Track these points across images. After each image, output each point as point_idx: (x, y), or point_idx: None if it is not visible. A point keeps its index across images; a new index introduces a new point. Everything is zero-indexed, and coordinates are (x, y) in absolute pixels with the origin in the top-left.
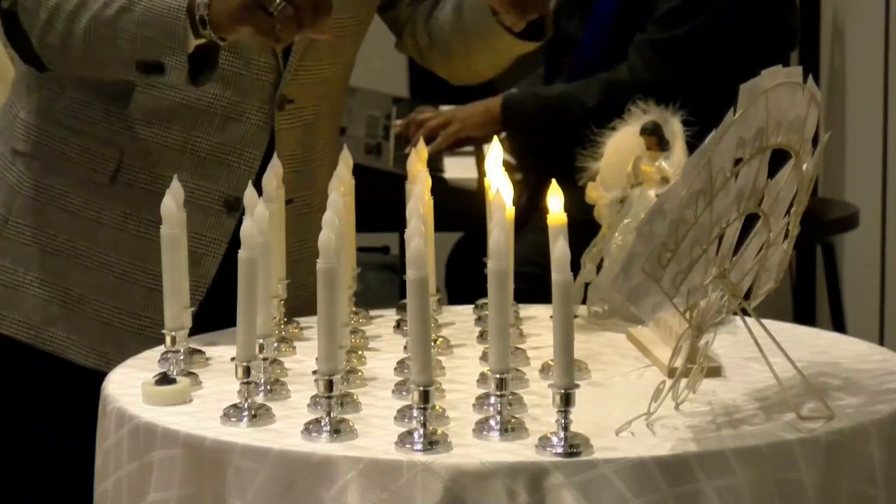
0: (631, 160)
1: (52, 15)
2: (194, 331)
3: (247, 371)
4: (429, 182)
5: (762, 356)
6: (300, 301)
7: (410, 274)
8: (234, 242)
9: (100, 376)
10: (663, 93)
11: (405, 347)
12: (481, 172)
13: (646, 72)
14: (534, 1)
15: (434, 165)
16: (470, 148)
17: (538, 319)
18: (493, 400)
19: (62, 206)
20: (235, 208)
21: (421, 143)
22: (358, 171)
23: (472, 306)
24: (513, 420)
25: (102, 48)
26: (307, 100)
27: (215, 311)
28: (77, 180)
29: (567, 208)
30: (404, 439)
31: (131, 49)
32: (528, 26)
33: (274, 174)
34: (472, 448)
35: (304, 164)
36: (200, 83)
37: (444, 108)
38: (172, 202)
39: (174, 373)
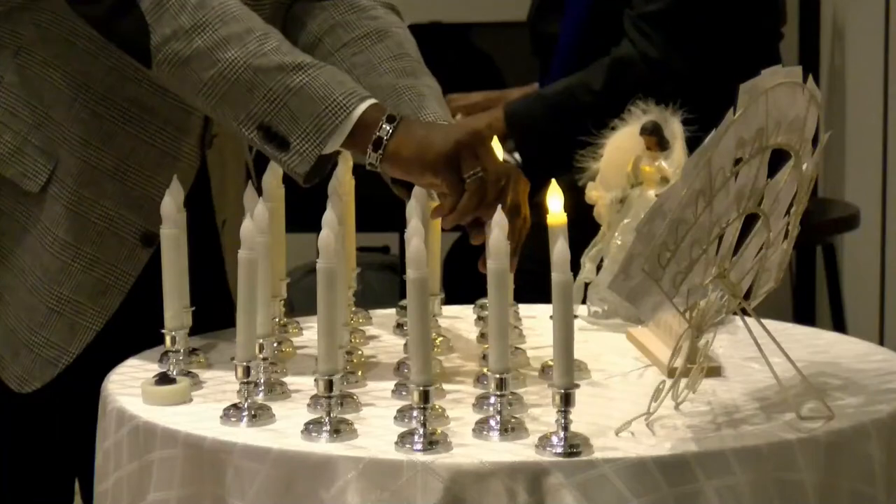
0: (631, 160)
1: (196, 26)
2: (92, 364)
3: (247, 371)
4: None
5: (762, 356)
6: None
7: (410, 274)
8: (143, 277)
9: None
10: (670, 67)
11: (405, 347)
12: None
13: (650, 47)
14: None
15: None
16: None
17: (538, 319)
18: (493, 400)
19: None
20: (151, 243)
21: None
22: (358, 171)
23: (472, 306)
24: (513, 420)
25: (236, 90)
26: (229, 130)
27: (116, 341)
28: (10, 182)
29: (568, 207)
30: (404, 439)
31: (265, 109)
32: None
33: (274, 174)
34: (472, 448)
35: (236, 185)
36: (308, 182)
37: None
38: (172, 202)
39: (174, 373)
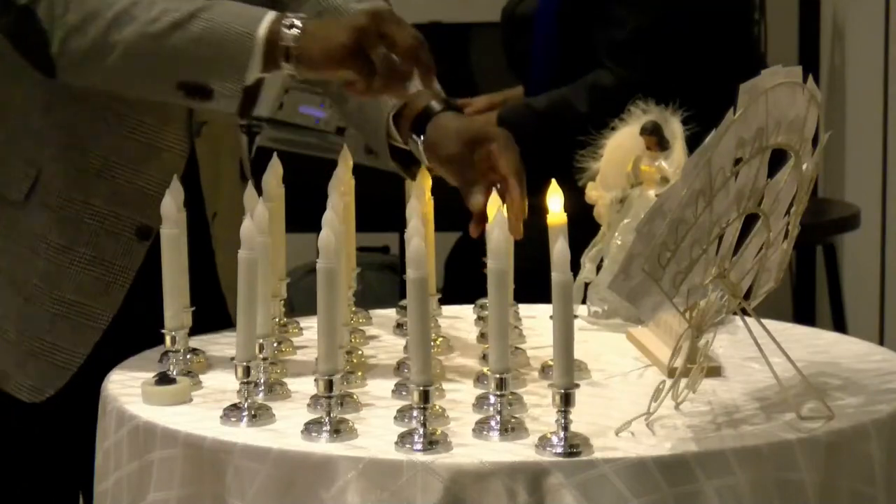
0: (631, 160)
1: (84, 19)
2: (103, 362)
3: (247, 371)
4: (429, 182)
5: (762, 356)
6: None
7: (410, 274)
8: (143, 271)
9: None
10: (650, 88)
11: (405, 347)
12: None
13: (625, 71)
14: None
15: None
16: None
17: (538, 319)
18: (493, 400)
19: None
20: (147, 236)
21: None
22: (358, 171)
23: (472, 306)
24: (513, 420)
25: (142, 62)
26: (223, 118)
27: (123, 338)
28: None
29: (566, 208)
30: (404, 439)
31: (176, 68)
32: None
33: (274, 174)
34: (472, 448)
35: (227, 178)
36: (245, 115)
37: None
38: (172, 202)
39: (174, 373)
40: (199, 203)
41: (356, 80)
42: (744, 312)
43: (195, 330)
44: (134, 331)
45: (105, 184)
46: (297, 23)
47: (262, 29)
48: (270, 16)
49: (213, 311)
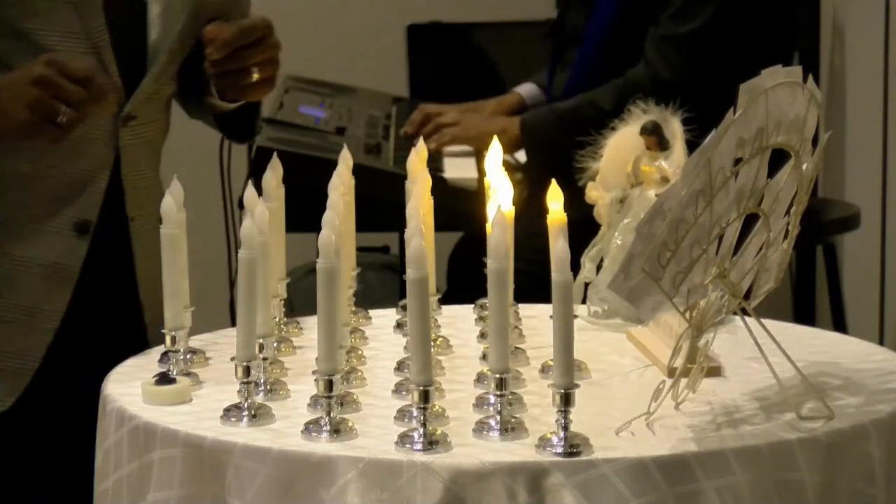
0: (631, 160)
1: None
2: (55, 363)
3: (247, 371)
4: (429, 182)
5: (762, 356)
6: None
7: (410, 274)
8: (86, 268)
9: None
10: (682, 89)
11: (405, 347)
12: (481, 172)
13: (665, 69)
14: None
15: (434, 165)
16: (469, 147)
17: (538, 319)
18: (492, 400)
19: None
20: (86, 230)
21: (421, 142)
22: (358, 171)
23: (472, 306)
24: (513, 420)
25: None
26: (149, 115)
27: (72, 338)
28: None
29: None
30: (404, 439)
31: None
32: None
33: (274, 174)
34: (472, 448)
35: (147, 181)
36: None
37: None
38: (172, 202)
39: (174, 373)
40: (120, 198)
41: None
42: (744, 312)
43: (108, 338)
44: (87, 331)
45: (39, 184)
46: None
47: None
48: None
49: (127, 312)
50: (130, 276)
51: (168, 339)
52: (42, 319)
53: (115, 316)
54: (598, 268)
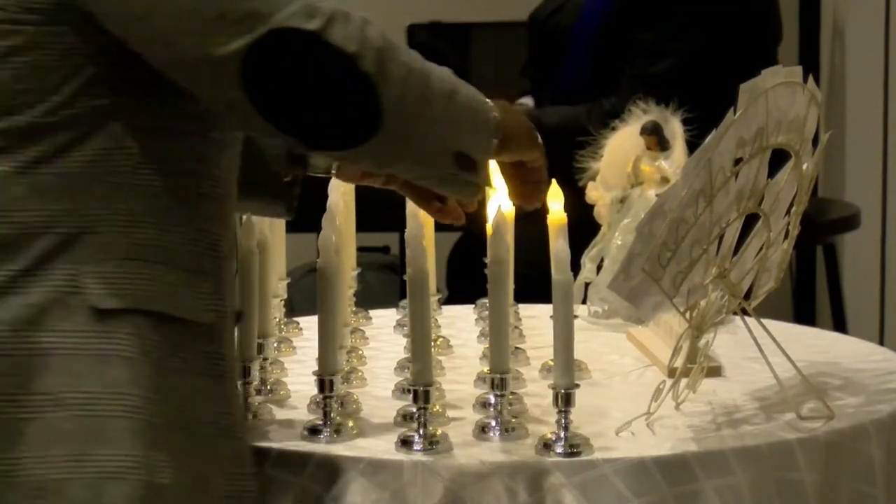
0: (631, 160)
1: (408, 73)
2: None
3: (247, 371)
4: None
5: (762, 356)
6: None
7: (410, 274)
8: None
9: None
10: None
11: (405, 347)
12: None
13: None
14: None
15: None
16: None
17: (538, 319)
18: (493, 400)
19: None
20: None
21: None
22: None
23: (472, 306)
24: (513, 420)
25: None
26: None
27: None
28: None
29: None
30: (404, 439)
31: (451, 136)
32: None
33: None
34: (472, 448)
35: None
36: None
37: None
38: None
39: None
40: None
41: (534, 160)
42: (744, 312)
43: None
44: None
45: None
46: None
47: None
48: None
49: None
50: None
51: None
52: None
53: None
54: (599, 268)
